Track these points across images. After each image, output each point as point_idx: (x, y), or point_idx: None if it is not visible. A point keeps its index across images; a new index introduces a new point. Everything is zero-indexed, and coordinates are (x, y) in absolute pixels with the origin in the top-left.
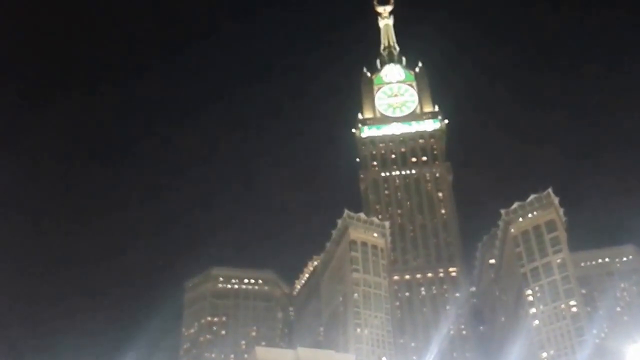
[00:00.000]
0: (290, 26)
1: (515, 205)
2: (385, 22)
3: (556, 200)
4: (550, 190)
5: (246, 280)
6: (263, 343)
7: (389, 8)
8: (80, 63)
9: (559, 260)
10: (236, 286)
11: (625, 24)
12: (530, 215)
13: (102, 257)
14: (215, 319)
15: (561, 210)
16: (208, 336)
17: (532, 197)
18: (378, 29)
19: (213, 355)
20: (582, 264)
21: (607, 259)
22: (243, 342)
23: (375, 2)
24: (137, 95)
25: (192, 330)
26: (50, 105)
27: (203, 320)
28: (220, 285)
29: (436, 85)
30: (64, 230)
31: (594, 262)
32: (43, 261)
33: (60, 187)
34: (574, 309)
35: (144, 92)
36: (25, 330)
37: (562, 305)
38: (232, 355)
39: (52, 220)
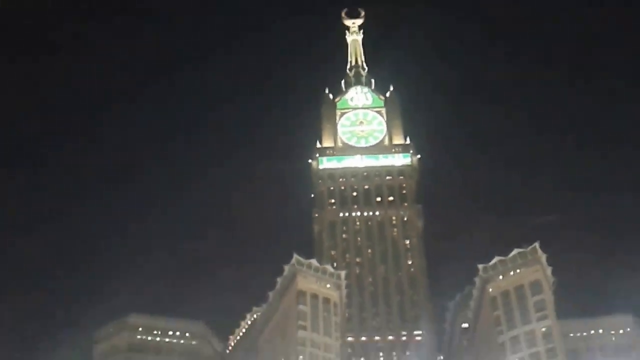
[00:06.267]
0: (253, 41)
1: (495, 260)
2: (354, 37)
3: (544, 257)
4: (537, 244)
5: (171, 333)
6: None
7: (359, 22)
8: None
9: (543, 329)
10: (158, 339)
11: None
12: (512, 273)
13: None
14: None
15: (549, 270)
16: None
17: (515, 252)
18: (345, 46)
19: None
20: (571, 335)
21: (600, 330)
22: None
23: (344, 15)
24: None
25: None
26: None
27: None
28: (138, 336)
29: (409, 113)
30: None
31: (584, 333)
32: None
33: None
34: None
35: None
36: None
37: None
38: None
39: None
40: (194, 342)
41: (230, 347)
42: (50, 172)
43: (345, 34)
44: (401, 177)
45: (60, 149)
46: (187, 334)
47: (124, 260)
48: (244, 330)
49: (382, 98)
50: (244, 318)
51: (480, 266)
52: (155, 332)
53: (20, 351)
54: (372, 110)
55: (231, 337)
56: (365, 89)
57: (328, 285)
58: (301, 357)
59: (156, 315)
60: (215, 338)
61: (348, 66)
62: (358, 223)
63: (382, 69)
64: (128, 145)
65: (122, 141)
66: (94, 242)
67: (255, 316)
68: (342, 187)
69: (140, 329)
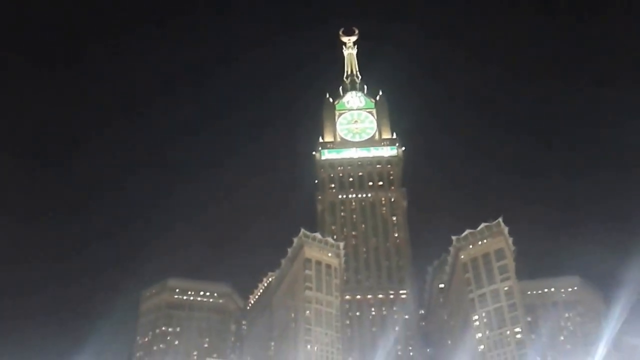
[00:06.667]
0: (266, 53)
1: (466, 232)
2: (350, 51)
3: (506, 229)
4: (500, 219)
5: (202, 293)
6: (214, 355)
7: (353, 38)
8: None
9: (506, 288)
10: (191, 298)
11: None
12: (480, 243)
13: (59, 258)
14: (170, 329)
15: (510, 240)
16: (161, 345)
17: (482, 225)
18: (342, 58)
19: None
20: (529, 293)
21: (552, 289)
22: (195, 353)
23: (341, 33)
24: (89, 95)
25: (146, 339)
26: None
27: (157, 330)
28: (176, 296)
29: (395, 113)
30: (14, 232)
31: (540, 291)
32: None
33: (11, 188)
34: (519, 336)
35: (95, 91)
36: None
37: (508, 332)
38: None
39: (1, 221)
40: (220, 300)
41: (250, 304)
42: (102, 164)
43: (342, 49)
44: (389, 166)
45: (110, 139)
46: (215, 294)
47: (165, 235)
48: (261, 290)
49: (373, 101)
50: (261, 280)
51: (454, 237)
52: (189, 292)
53: (80, 307)
54: (365, 111)
55: (251, 296)
56: (359, 94)
57: (329, 254)
58: (308, 312)
59: (190, 279)
60: (238, 297)
61: (345, 75)
62: (354, 203)
63: (373, 77)
64: (170, 136)
65: (165, 131)
66: (140, 221)
67: (270, 279)
68: (341, 174)
69: (177, 290)
